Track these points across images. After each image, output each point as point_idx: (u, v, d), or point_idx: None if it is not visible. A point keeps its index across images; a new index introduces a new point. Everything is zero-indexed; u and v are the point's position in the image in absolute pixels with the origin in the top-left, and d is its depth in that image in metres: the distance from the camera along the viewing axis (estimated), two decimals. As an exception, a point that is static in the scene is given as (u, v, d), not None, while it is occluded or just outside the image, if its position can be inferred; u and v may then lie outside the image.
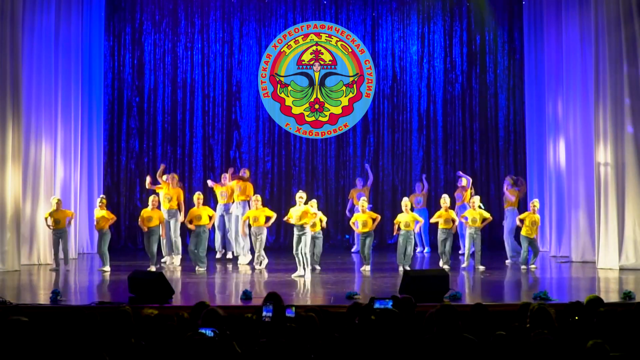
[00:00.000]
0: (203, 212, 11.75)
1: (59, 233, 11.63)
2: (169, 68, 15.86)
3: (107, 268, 11.53)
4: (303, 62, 16.00)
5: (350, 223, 12.09)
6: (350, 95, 15.98)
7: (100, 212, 11.80)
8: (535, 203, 12.15)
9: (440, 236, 11.98)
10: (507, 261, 12.54)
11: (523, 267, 11.69)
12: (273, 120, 15.93)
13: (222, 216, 13.18)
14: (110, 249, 13.24)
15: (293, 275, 10.78)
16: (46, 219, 11.74)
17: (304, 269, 10.82)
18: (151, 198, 11.95)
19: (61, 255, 11.77)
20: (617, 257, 11.72)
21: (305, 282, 10.49)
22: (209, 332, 4.61)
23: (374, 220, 11.69)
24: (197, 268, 11.38)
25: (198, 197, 11.93)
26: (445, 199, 12.11)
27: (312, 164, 16.01)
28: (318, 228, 11.64)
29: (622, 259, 11.71)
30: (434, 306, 5.02)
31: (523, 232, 11.86)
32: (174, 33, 15.87)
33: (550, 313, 5.01)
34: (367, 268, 11.49)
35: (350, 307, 6.06)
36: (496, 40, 16.14)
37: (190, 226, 11.65)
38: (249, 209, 12.32)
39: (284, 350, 4.50)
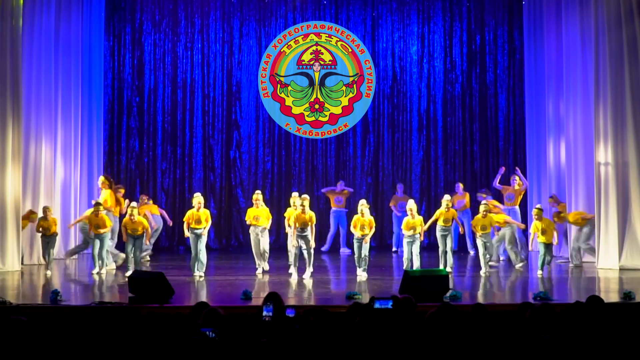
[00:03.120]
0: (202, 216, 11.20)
1: (48, 238, 11.43)
2: (169, 68, 15.87)
3: (104, 270, 11.36)
4: (303, 62, 16.00)
5: (352, 228, 11.40)
6: (350, 95, 15.98)
7: (100, 217, 11.42)
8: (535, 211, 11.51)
9: (439, 232, 11.60)
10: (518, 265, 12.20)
11: (539, 272, 11.18)
12: (273, 120, 15.93)
13: None
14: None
15: (303, 276, 10.79)
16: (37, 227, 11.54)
17: (307, 267, 10.85)
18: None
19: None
20: (617, 257, 11.73)
21: (304, 282, 10.50)
22: (209, 333, 4.61)
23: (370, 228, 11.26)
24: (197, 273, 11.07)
25: (199, 201, 11.18)
26: (447, 201, 11.56)
27: (312, 164, 16.01)
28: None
29: (622, 259, 11.72)
30: (434, 306, 5.02)
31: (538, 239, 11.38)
32: (174, 33, 15.87)
33: (553, 313, 5.01)
34: (363, 273, 11.00)
35: (350, 307, 6.06)
36: (496, 40, 16.14)
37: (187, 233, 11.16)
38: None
39: (283, 350, 4.50)
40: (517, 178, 13.37)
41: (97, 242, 11.36)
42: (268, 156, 15.99)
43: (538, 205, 11.82)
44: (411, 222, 11.09)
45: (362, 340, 4.83)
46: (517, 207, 13.17)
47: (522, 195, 13.39)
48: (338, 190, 14.94)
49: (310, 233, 10.89)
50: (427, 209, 15.37)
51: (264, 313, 5.40)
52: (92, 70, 14.87)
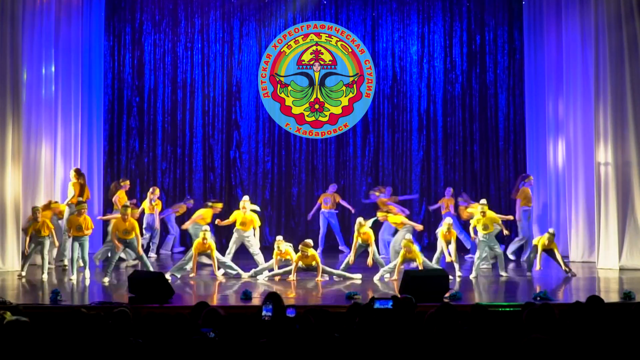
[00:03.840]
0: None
1: (41, 239, 11.13)
2: (169, 68, 15.86)
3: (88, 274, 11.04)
4: (303, 62, 16.00)
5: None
6: (350, 95, 15.98)
7: (84, 217, 11.01)
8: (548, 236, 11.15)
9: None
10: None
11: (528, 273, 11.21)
12: (273, 120, 15.93)
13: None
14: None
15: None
16: (26, 230, 11.19)
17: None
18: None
19: (37, 261, 11.49)
20: (617, 257, 11.73)
21: (304, 282, 10.50)
22: (209, 333, 4.61)
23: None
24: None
25: (204, 236, 10.98)
26: (449, 224, 11.30)
27: (312, 164, 16.01)
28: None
29: (622, 259, 11.72)
30: (434, 306, 5.02)
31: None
32: (174, 33, 15.86)
33: (551, 313, 5.00)
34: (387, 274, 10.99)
35: (350, 307, 6.06)
36: (496, 40, 16.14)
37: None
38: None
39: (283, 350, 4.50)
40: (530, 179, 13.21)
41: (77, 246, 10.88)
42: (268, 156, 15.99)
43: (552, 230, 11.35)
44: (408, 256, 10.73)
45: (362, 340, 4.83)
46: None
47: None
48: (329, 192, 14.91)
49: (317, 266, 10.88)
50: (427, 209, 15.37)
51: (264, 313, 5.40)
52: (92, 70, 14.86)
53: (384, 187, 14.39)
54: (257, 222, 11.78)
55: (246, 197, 12.01)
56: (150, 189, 13.52)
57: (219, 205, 12.81)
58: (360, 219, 11.40)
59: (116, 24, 15.80)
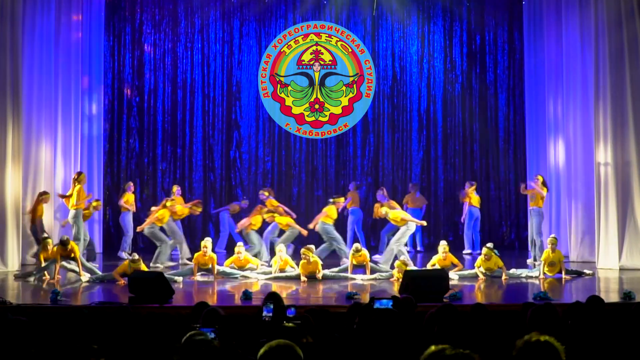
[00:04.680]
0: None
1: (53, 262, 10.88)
2: (169, 68, 15.85)
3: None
4: (303, 62, 15.99)
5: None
6: (350, 95, 15.98)
7: (71, 247, 10.76)
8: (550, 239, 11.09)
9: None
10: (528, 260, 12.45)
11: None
12: (273, 120, 15.93)
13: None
14: (111, 250, 13.23)
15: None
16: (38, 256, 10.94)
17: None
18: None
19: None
20: (617, 257, 11.73)
21: (305, 282, 10.51)
22: (209, 332, 4.61)
23: None
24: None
25: (204, 245, 10.92)
26: (445, 246, 11.05)
27: (312, 164, 16.01)
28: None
29: (622, 259, 11.72)
30: (434, 306, 5.02)
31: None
32: (174, 33, 15.86)
33: (554, 313, 5.00)
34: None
35: (350, 307, 6.07)
36: (496, 40, 16.14)
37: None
38: None
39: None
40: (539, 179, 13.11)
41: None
42: (268, 156, 15.98)
43: (553, 235, 11.38)
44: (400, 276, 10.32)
45: (362, 340, 4.83)
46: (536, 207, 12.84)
47: (536, 197, 12.96)
48: (352, 190, 14.68)
49: (319, 275, 10.78)
50: (427, 209, 15.35)
51: (264, 313, 5.40)
52: (92, 70, 14.87)
53: (272, 188, 14.28)
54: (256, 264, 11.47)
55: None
56: (174, 188, 13.54)
57: (341, 200, 12.73)
58: (356, 245, 11.27)
59: (116, 24, 15.80)
